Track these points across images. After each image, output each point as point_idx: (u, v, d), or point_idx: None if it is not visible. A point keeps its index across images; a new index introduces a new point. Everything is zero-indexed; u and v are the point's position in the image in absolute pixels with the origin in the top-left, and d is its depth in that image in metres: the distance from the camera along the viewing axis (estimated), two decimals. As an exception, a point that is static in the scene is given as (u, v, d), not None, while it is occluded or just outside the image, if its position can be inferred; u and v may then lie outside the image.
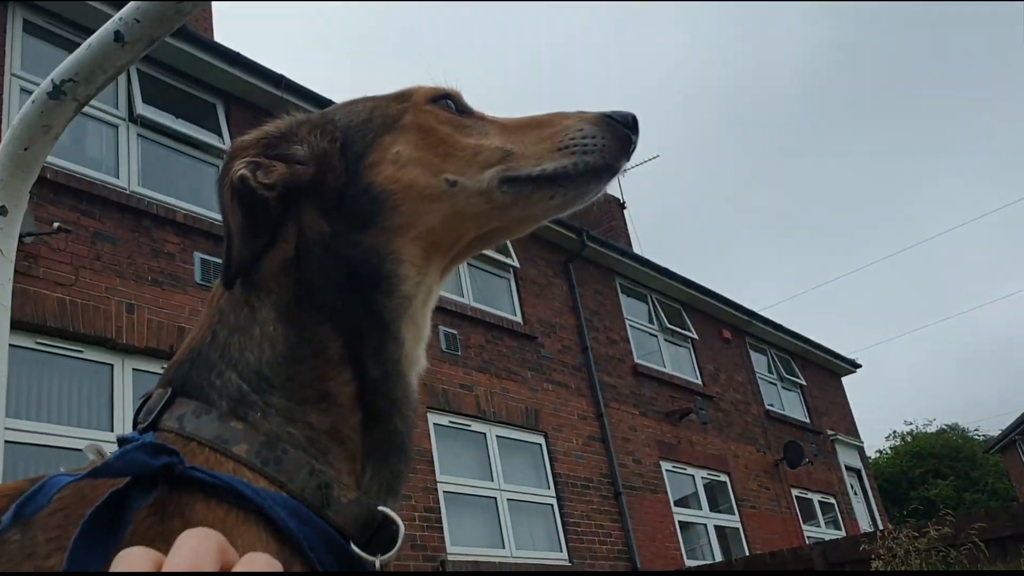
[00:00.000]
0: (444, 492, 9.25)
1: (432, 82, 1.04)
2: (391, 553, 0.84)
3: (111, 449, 0.84)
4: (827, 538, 13.92)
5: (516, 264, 11.82)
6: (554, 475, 10.80)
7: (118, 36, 1.08)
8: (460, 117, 1.00)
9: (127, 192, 7.65)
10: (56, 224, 6.76)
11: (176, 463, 0.78)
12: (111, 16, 1.20)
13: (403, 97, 1.02)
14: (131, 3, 1.10)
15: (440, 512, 9.05)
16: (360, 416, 0.88)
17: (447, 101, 1.01)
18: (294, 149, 0.94)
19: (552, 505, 10.62)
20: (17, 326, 6.41)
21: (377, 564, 0.83)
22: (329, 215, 0.92)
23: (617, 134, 0.96)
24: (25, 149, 1.20)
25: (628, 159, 0.98)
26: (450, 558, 8.79)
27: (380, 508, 0.85)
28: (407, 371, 0.91)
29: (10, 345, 6.18)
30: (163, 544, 0.51)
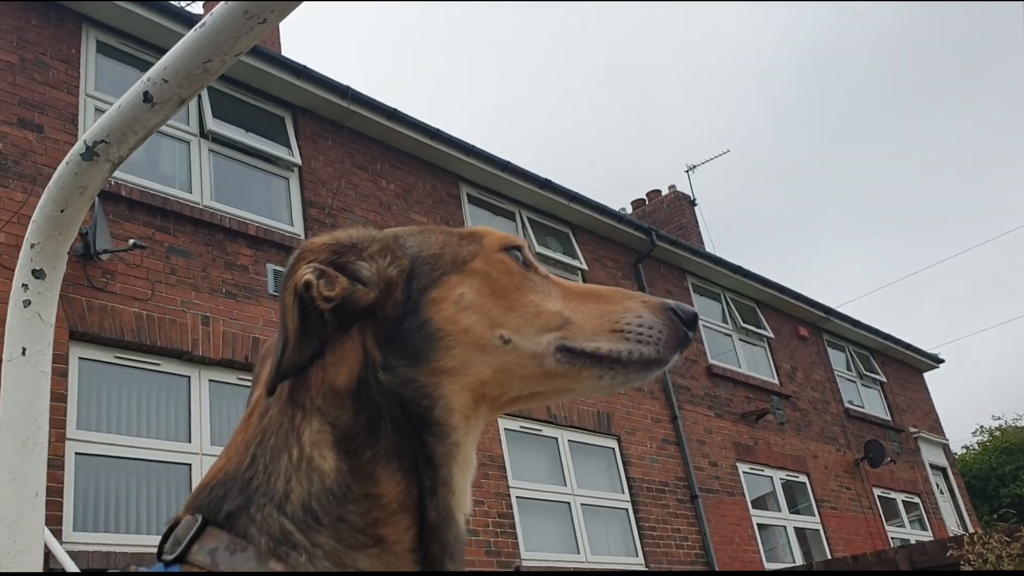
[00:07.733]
0: (516, 497, 9.23)
1: (501, 230, 1.04)
2: None
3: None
4: (912, 539, 13.55)
5: (584, 266, 11.71)
6: (628, 479, 10.69)
7: (147, 97, 1.06)
8: (526, 271, 0.99)
9: (200, 207, 7.80)
10: (131, 240, 6.92)
11: None
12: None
13: (473, 238, 1.00)
14: (158, 63, 1.09)
15: (513, 517, 9.03)
16: (412, 563, 0.82)
17: (516, 252, 1.00)
18: (360, 265, 0.92)
19: (627, 509, 10.51)
20: (97, 340, 6.59)
21: None
22: (381, 343, 0.89)
23: (675, 329, 0.96)
24: (61, 211, 1.19)
25: (680, 355, 0.97)
26: (524, 563, 8.77)
27: None
28: (457, 515, 0.87)
29: (91, 359, 6.30)
30: None
